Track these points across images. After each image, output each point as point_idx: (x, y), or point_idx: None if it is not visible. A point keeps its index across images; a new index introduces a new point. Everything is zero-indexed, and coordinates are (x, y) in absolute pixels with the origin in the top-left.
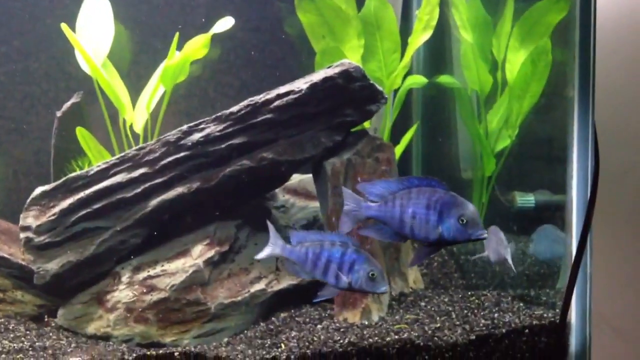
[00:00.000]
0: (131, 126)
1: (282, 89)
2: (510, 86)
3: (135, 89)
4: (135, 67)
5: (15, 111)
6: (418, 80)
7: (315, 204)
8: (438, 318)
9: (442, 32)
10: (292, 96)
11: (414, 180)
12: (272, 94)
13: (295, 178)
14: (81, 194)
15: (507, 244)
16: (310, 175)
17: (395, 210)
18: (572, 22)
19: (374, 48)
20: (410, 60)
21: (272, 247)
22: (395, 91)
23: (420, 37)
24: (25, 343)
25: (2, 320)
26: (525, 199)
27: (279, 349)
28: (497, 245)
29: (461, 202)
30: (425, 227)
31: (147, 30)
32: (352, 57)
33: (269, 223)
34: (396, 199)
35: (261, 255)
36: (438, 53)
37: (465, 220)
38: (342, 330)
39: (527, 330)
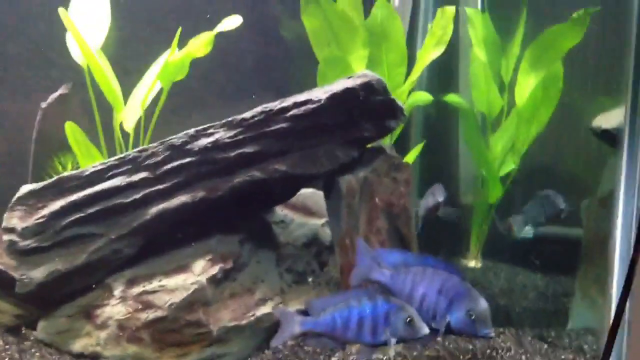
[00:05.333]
0: (120, 124)
1: (300, 97)
2: (519, 110)
3: (123, 86)
4: (125, 62)
5: None
6: (423, 97)
7: (314, 221)
8: (461, 357)
9: (449, 48)
10: (310, 106)
11: (431, 260)
12: (289, 101)
13: None
14: (74, 196)
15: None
16: (310, 190)
17: (407, 284)
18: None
19: (378, 60)
20: (417, 77)
21: (289, 328)
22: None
23: (431, 52)
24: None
25: None
26: (524, 228)
27: None
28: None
29: (474, 297)
30: (432, 311)
31: (145, 26)
32: (357, 68)
33: (281, 309)
34: (409, 274)
35: (277, 341)
36: (444, 70)
37: (474, 316)
38: None
39: None
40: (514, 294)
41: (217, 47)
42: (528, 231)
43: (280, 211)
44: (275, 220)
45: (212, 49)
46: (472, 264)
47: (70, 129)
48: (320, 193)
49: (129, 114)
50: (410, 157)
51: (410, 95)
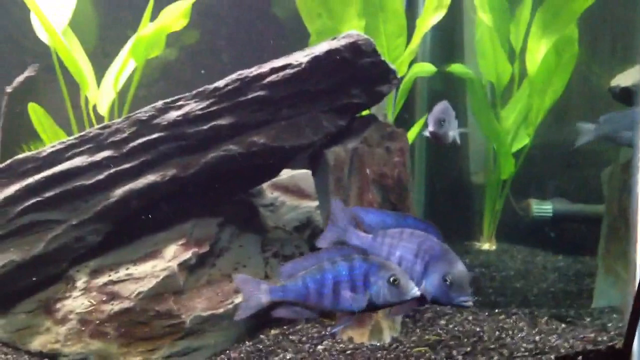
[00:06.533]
0: (95, 108)
1: (278, 62)
2: (531, 79)
3: (101, 69)
4: (103, 44)
5: None
6: (426, 68)
7: (309, 204)
8: (466, 340)
9: (453, 14)
10: (289, 71)
11: (411, 219)
12: (266, 67)
13: (286, 173)
14: (30, 180)
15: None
16: (304, 171)
17: (383, 248)
18: None
19: (375, 31)
20: (418, 45)
21: (254, 298)
22: (399, 80)
23: (431, 18)
24: None
25: None
26: (542, 208)
27: None
28: (440, 116)
29: (451, 259)
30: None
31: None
32: None
33: (242, 276)
34: (386, 237)
35: (242, 314)
36: (448, 39)
37: (449, 281)
38: (348, 352)
39: (580, 357)
40: (532, 276)
41: (204, 28)
42: (547, 210)
43: (271, 194)
44: (264, 203)
45: (199, 30)
46: (485, 246)
47: (35, 112)
48: None
49: (102, 96)
50: (414, 131)
51: (412, 67)
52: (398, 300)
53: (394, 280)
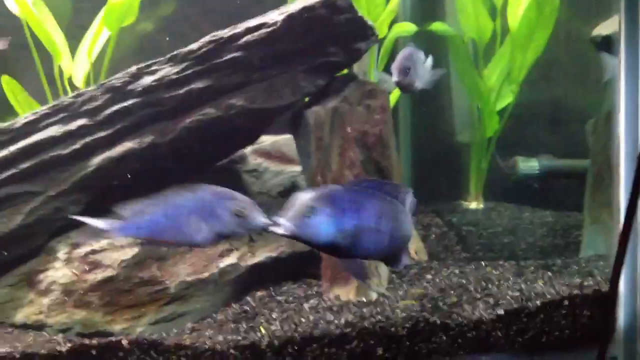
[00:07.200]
0: (70, 80)
1: (252, 22)
2: (513, 35)
3: (77, 42)
4: (78, 17)
5: None
6: (406, 28)
7: (293, 169)
8: (452, 292)
9: None
10: (264, 30)
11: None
12: (240, 27)
13: (268, 139)
14: (5, 152)
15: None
16: (286, 137)
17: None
18: None
19: None
20: (397, 4)
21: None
22: (380, 41)
23: None
24: None
25: None
26: (529, 165)
27: (259, 334)
28: (405, 63)
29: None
30: None
31: None
32: None
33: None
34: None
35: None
36: None
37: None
38: (335, 309)
39: (566, 302)
40: (519, 231)
41: None
42: (533, 167)
43: (254, 160)
44: (247, 169)
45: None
46: (473, 205)
47: (7, 83)
48: None
49: (77, 67)
50: (396, 92)
51: (393, 27)
52: (244, 231)
53: (238, 210)
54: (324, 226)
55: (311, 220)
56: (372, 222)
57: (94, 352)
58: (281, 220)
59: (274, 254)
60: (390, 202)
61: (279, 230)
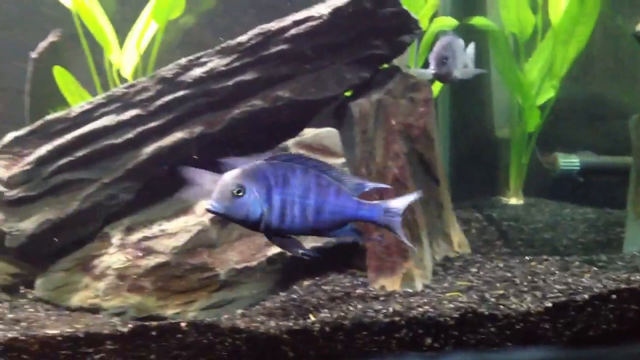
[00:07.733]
0: (119, 72)
1: (299, 15)
2: (555, 29)
3: (122, 35)
4: (123, 10)
5: None
6: (447, 22)
7: (334, 161)
8: (498, 285)
9: None
10: (311, 23)
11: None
12: (288, 20)
13: (310, 132)
14: (61, 140)
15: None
16: (328, 129)
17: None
18: None
19: None
20: None
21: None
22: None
23: None
24: None
25: None
26: (569, 161)
27: (309, 320)
28: (443, 53)
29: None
30: None
31: None
32: None
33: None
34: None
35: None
36: None
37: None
38: (382, 299)
39: (614, 296)
40: (560, 227)
41: None
42: (574, 162)
43: (295, 152)
44: None
45: None
46: (513, 200)
47: (61, 75)
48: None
49: (125, 59)
50: (437, 86)
51: (434, 21)
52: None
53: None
54: (253, 203)
55: (241, 199)
56: (297, 196)
57: (154, 333)
58: (211, 201)
59: (320, 244)
60: (315, 175)
61: (211, 209)
